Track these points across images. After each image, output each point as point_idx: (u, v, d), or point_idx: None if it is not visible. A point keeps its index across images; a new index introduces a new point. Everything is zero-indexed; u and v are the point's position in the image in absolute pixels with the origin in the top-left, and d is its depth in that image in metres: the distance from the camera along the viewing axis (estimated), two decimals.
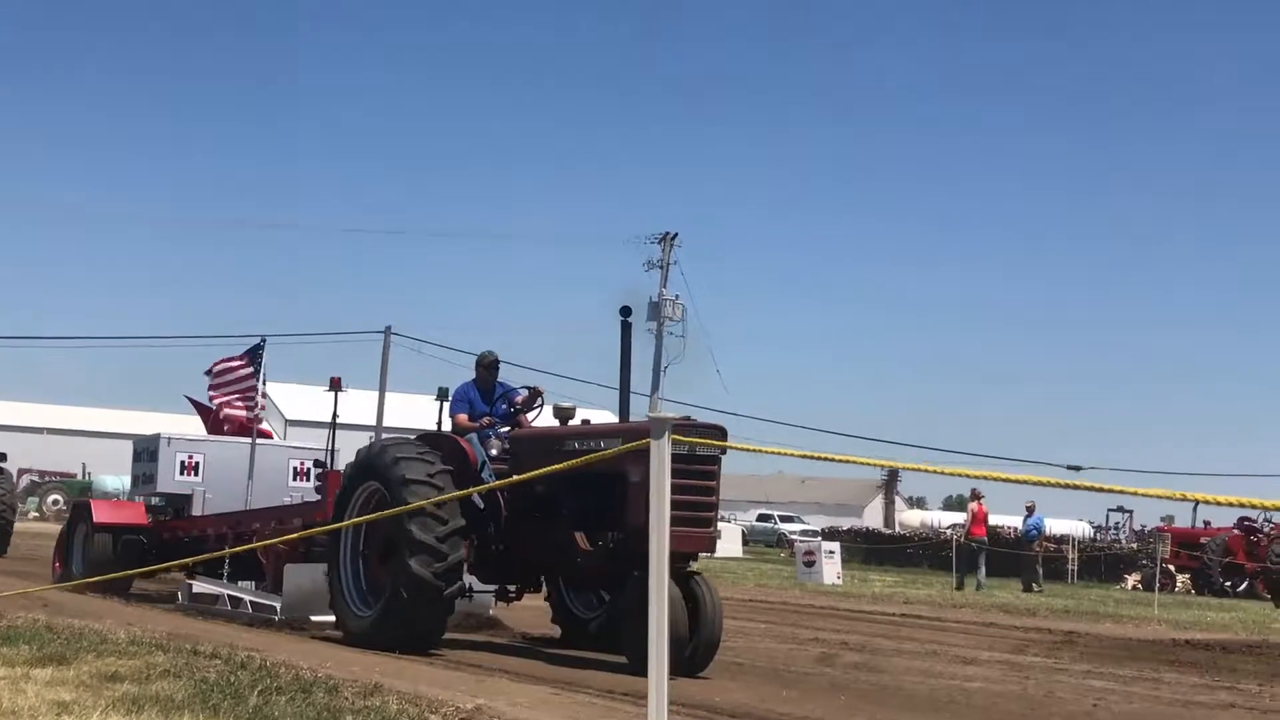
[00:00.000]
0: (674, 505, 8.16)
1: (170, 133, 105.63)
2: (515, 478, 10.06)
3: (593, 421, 11.40)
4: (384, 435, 30.12)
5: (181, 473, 16.17)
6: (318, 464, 16.71)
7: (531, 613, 12.63)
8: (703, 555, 10.07)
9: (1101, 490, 5.63)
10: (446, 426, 12.15)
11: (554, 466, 8.50)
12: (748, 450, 9.51)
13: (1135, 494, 6.15)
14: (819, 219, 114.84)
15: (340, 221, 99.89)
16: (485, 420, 11.30)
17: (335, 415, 17.50)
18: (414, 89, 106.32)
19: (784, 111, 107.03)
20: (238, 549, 13.31)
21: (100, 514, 16.22)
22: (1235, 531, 34.40)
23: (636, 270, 44.73)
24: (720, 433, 9.63)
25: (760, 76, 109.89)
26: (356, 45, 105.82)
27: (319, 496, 14.33)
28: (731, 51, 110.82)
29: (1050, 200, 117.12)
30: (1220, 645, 14.51)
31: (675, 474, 8.15)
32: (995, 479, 6.34)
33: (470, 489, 10.31)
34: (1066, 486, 5.72)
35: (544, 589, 11.42)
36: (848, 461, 11.41)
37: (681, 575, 9.27)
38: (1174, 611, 22.04)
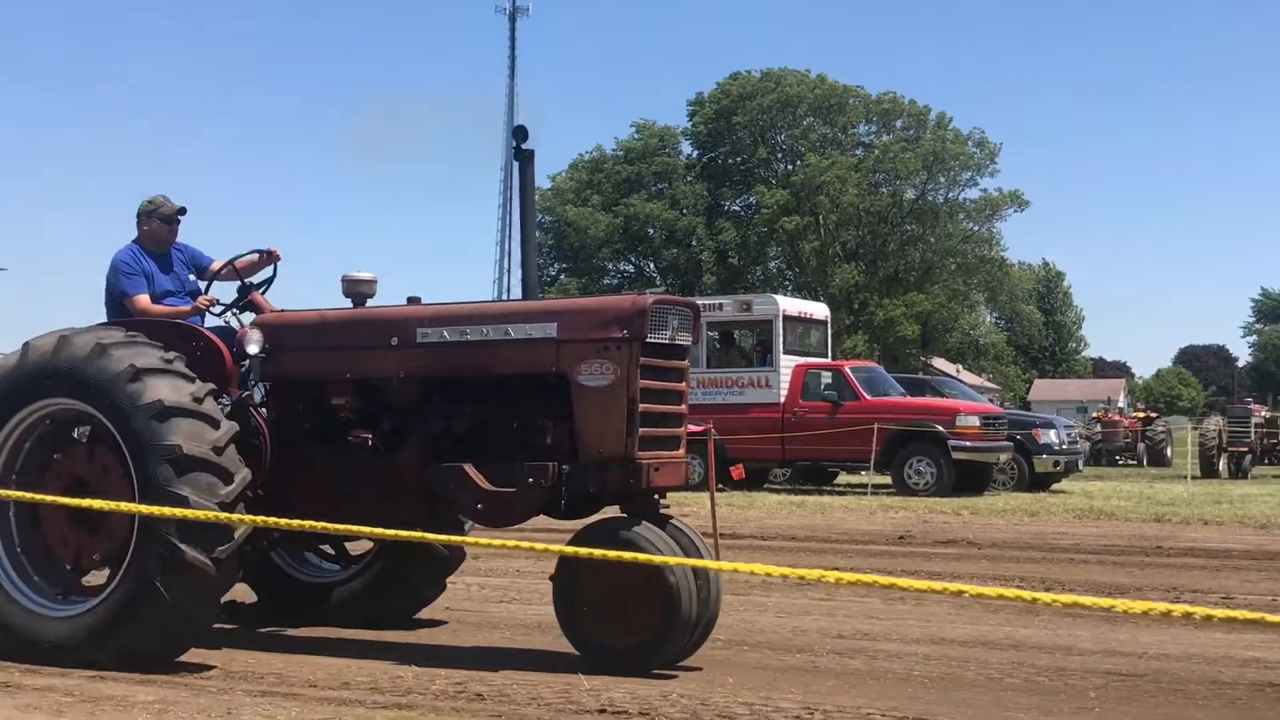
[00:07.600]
0: (649, 419, 6.22)
1: None
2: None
3: None
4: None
5: None
6: None
7: None
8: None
9: None
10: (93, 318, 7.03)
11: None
12: None
13: None
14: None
15: None
16: (203, 300, 7.24)
17: None
18: None
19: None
20: None
21: None
22: None
23: None
24: (695, 312, 6.59)
25: None
26: None
27: None
28: None
29: None
30: None
31: (650, 373, 6.17)
32: None
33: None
34: None
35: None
36: None
37: (661, 520, 6.27)
38: None
